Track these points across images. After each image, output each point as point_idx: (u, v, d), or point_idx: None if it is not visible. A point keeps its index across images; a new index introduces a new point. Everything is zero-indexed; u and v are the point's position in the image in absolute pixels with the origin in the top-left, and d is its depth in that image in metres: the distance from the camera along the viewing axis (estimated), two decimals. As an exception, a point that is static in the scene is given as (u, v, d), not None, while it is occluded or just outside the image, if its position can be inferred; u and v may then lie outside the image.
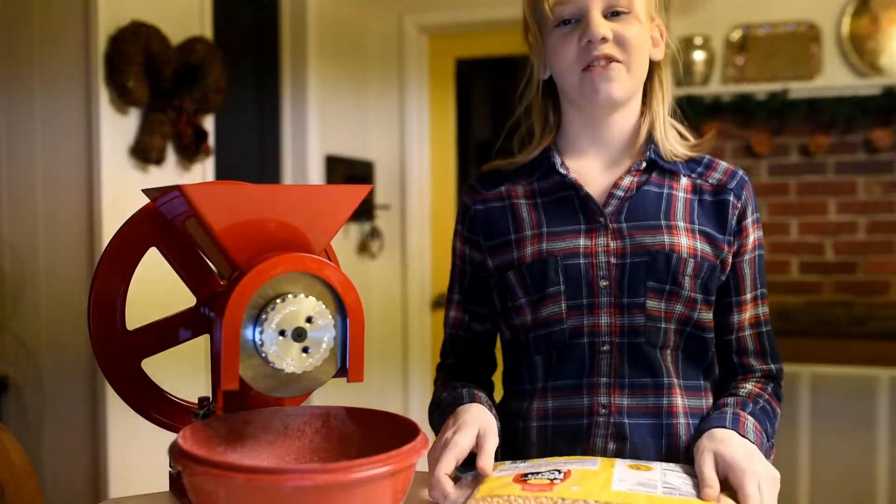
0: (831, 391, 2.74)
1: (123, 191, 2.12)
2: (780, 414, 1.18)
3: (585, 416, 1.11)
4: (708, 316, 1.14)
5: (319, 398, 2.39)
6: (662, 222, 1.12)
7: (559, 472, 0.95)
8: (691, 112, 3.35)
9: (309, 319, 0.83)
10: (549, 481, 0.92)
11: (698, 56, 3.28)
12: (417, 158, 3.71)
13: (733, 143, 3.32)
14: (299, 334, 0.83)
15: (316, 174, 3.09)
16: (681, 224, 1.12)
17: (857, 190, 3.22)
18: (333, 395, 2.45)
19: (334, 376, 0.87)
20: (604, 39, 1.09)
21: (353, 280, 0.86)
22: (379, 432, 0.89)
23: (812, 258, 3.26)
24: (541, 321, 1.13)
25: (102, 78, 2.07)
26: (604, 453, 1.09)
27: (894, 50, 3.14)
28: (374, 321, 3.40)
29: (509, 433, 1.16)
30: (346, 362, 0.86)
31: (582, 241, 1.12)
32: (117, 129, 2.13)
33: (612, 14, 1.11)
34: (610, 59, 1.10)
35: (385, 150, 3.62)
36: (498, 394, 1.25)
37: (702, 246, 1.12)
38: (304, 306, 0.83)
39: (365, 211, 3.38)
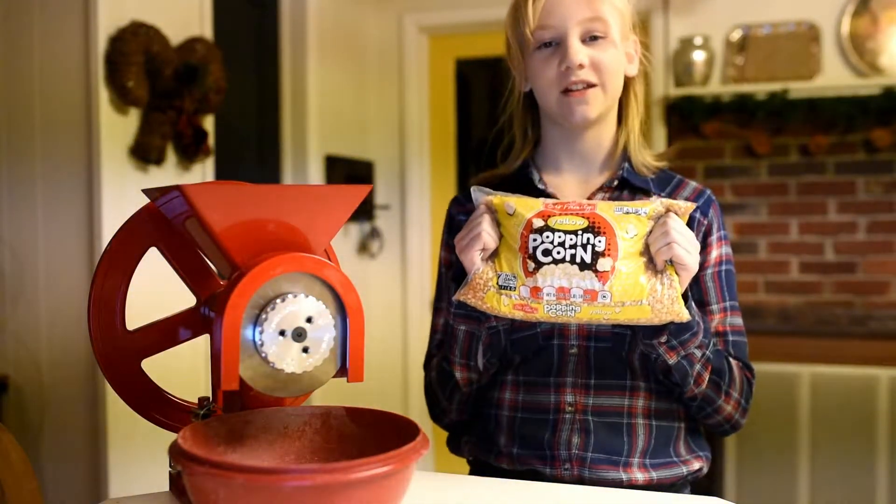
0: (831, 391, 2.74)
1: (123, 191, 2.12)
2: (738, 394, 1.20)
3: (552, 412, 1.18)
4: None
5: (319, 398, 2.39)
6: None
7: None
8: (691, 112, 3.39)
9: (309, 319, 0.83)
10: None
11: (698, 56, 3.27)
12: (417, 158, 3.71)
13: (733, 143, 3.32)
14: (299, 334, 0.83)
15: (316, 174, 3.09)
16: None
17: (857, 190, 3.22)
18: (333, 395, 2.45)
19: (334, 376, 0.87)
20: (581, 66, 1.16)
21: (353, 280, 0.87)
22: (379, 432, 0.89)
23: (812, 258, 3.26)
24: (516, 325, 1.19)
25: (102, 78, 2.07)
26: (568, 446, 1.16)
27: (894, 50, 3.14)
28: (374, 321, 3.40)
29: (482, 419, 1.24)
30: (346, 362, 0.86)
31: None
32: (117, 129, 2.13)
33: (589, 38, 1.18)
34: (587, 84, 1.17)
35: (385, 150, 3.62)
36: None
37: None
38: (304, 306, 0.83)
39: (365, 211, 3.38)
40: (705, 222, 1.22)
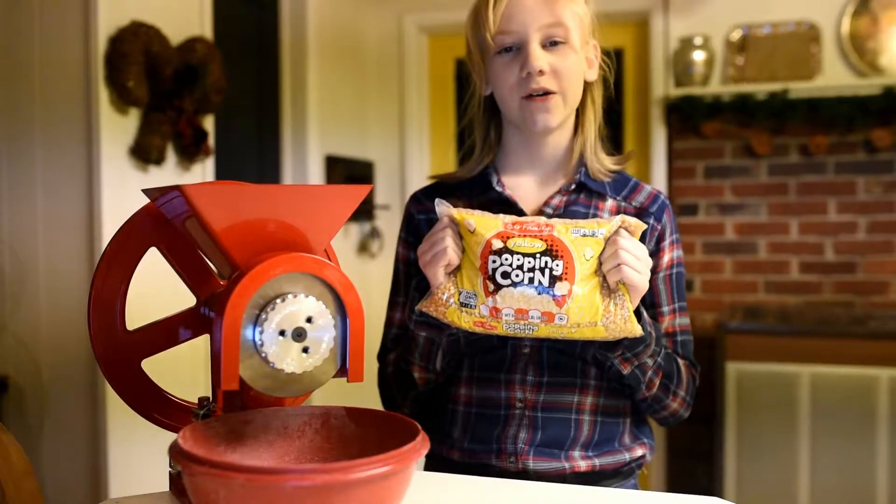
0: (831, 391, 2.74)
1: (123, 191, 2.12)
2: (685, 393, 1.24)
3: (504, 408, 1.20)
4: None
5: (319, 398, 2.38)
6: None
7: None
8: (691, 112, 3.39)
9: (309, 319, 0.83)
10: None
11: (698, 56, 3.27)
12: (417, 158, 3.71)
13: (733, 143, 3.32)
14: (299, 334, 0.83)
15: (316, 174, 3.09)
16: None
17: (857, 190, 3.22)
18: (333, 395, 2.45)
19: (334, 376, 0.87)
20: (541, 72, 1.17)
21: (353, 280, 0.87)
22: (379, 432, 0.89)
23: (812, 258, 3.26)
24: None
25: (102, 78, 2.07)
26: (515, 440, 1.19)
27: (894, 50, 3.14)
28: (374, 321, 3.39)
29: (438, 414, 1.27)
30: (346, 362, 0.86)
31: None
32: (117, 129, 2.13)
33: (550, 44, 1.18)
34: (547, 92, 1.18)
35: (385, 150, 3.62)
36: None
37: None
38: (304, 306, 0.83)
39: (365, 211, 3.38)
40: (658, 227, 1.24)
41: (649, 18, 3.39)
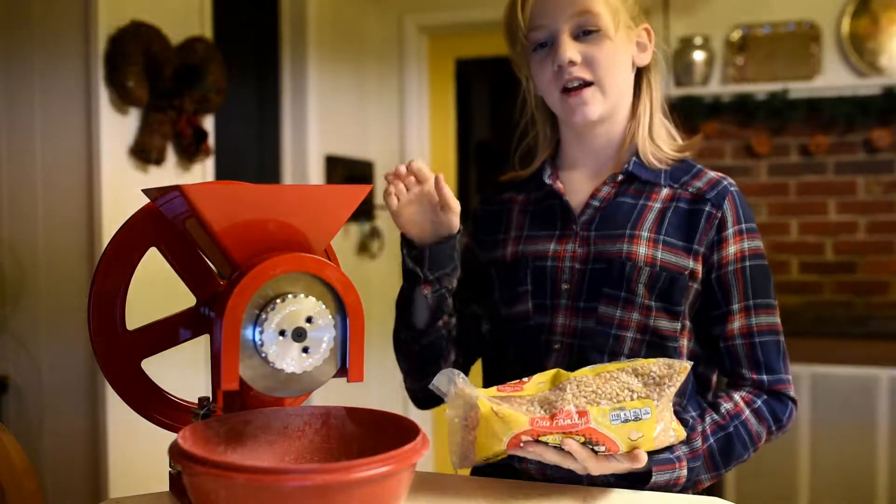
0: (831, 391, 2.74)
1: (123, 191, 2.12)
2: (766, 432, 1.18)
3: None
4: (668, 325, 1.14)
5: (319, 398, 2.38)
6: (627, 231, 1.15)
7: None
8: (691, 112, 3.38)
9: (309, 319, 0.83)
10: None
11: (698, 56, 3.27)
12: (417, 158, 3.71)
13: (733, 143, 3.32)
14: (299, 334, 0.83)
15: (316, 174, 3.09)
16: (644, 234, 1.15)
17: (857, 190, 3.22)
18: (333, 395, 2.45)
19: (334, 376, 0.87)
20: (571, 63, 1.14)
21: (353, 280, 0.87)
22: (379, 432, 0.89)
23: (812, 258, 3.26)
24: (512, 317, 1.20)
25: (102, 78, 2.07)
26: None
27: (894, 50, 3.14)
28: (374, 321, 3.39)
29: None
30: (346, 362, 0.86)
31: (552, 246, 1.18)
32: (117, 129, 2.13)
33: (583, 34, 1.16)
34: (582, 82, 1.15)
35: (385, 150, 3.62)
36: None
37: (663, 255, 1.14)
38: (304, 306, 0.83)
39: (365, 211, 3.38)
40: (718, 215, 1.15)
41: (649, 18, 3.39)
